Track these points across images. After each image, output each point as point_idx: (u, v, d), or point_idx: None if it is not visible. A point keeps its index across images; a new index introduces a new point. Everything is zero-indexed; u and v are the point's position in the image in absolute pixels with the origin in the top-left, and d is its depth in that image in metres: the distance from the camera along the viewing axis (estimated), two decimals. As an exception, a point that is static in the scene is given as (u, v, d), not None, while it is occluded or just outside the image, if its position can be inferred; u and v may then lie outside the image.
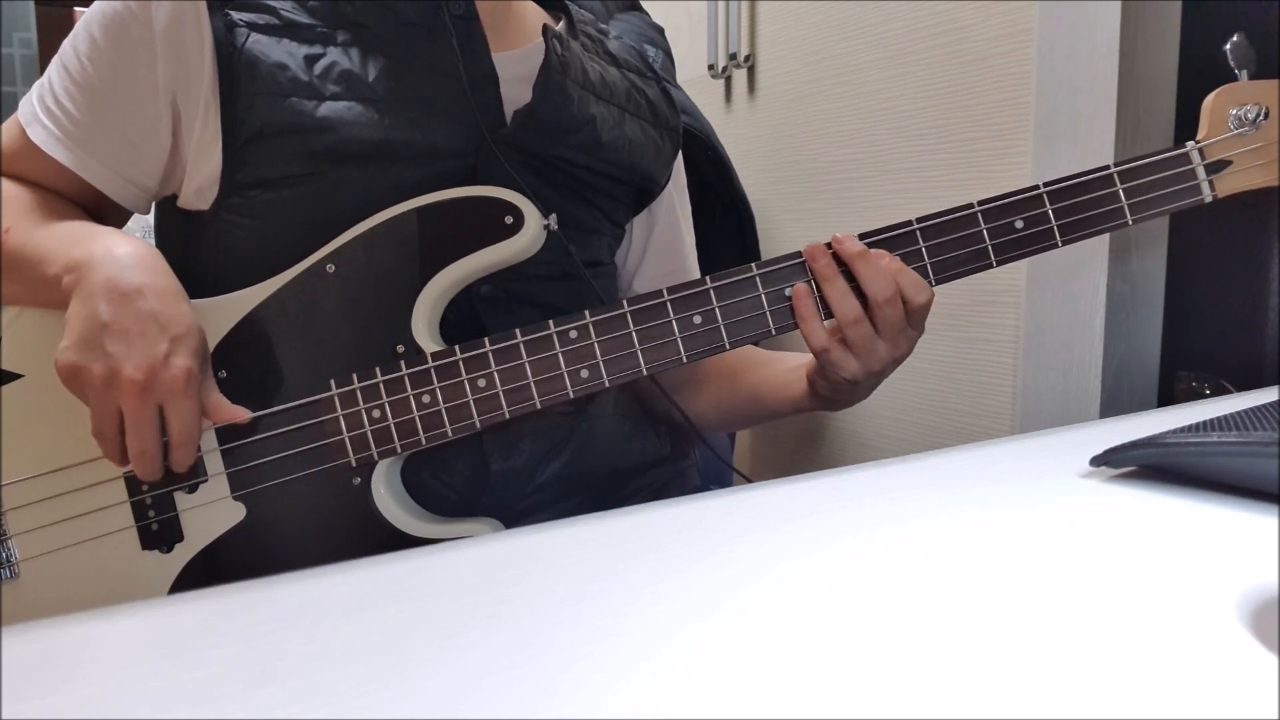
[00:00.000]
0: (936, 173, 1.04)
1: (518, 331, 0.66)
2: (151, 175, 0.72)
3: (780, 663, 0.31)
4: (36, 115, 0.71)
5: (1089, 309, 0.90)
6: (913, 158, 1.07)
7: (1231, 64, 0.69)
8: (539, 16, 0.82)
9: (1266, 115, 0.68)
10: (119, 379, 0.60)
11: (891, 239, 0.67)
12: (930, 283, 0.67)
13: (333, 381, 0.67)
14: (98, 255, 0.63)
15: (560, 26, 0.82)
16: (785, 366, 0.80)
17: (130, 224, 0.81)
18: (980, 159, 0.99)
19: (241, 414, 0.66)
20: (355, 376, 0.67)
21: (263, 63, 0.67)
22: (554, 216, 0.70)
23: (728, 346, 0.67)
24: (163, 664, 0.33)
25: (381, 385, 0.67)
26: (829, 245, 0.67)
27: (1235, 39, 0.69)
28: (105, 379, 0.60)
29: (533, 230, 0.68)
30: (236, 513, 0.67)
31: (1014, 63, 0.94)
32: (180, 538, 0.68)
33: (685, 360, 0.67)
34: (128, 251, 0.63)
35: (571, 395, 0.67)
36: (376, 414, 0.67)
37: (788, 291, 0.67)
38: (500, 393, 0.66)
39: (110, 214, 0.76)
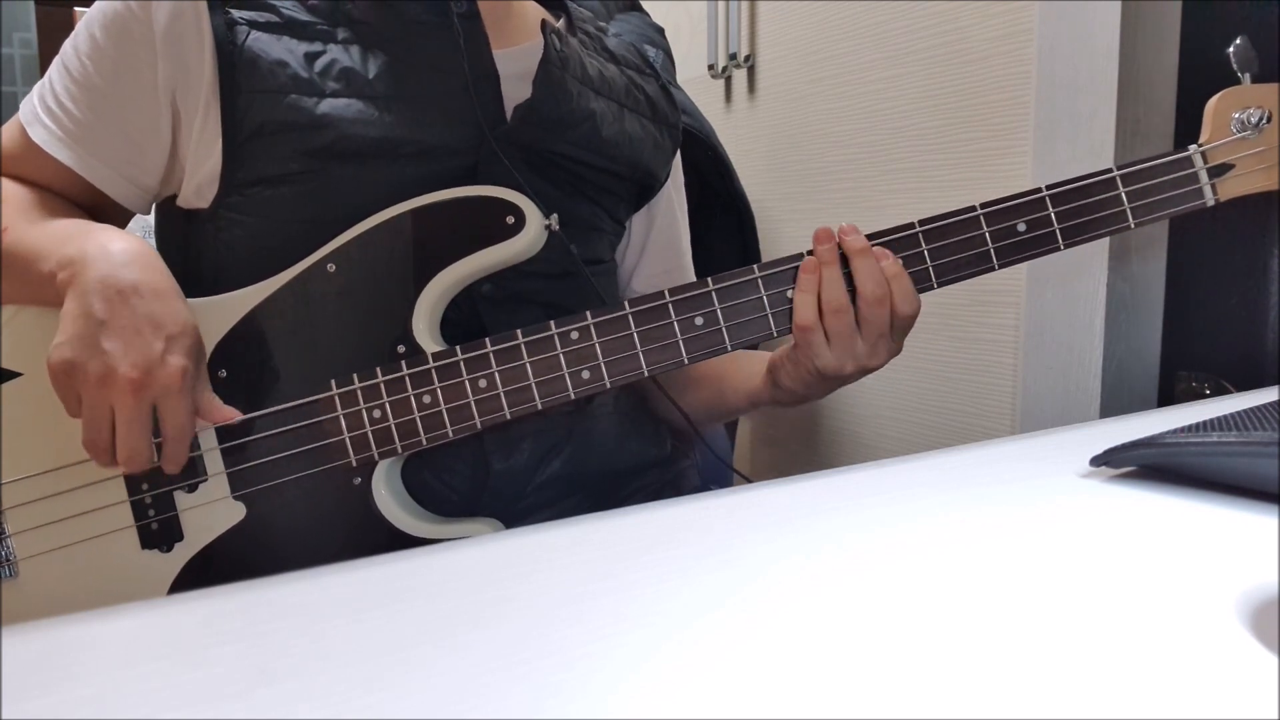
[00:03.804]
0: (936, 173, 1.04)
1: (519, 332, 0.66)
2: (152, 174, 0.72)
3: (780, 663, 0.31)
4: (37, 115, 0.71)
5: (1089, 309, 0.90)
6: (913, 158, 1.07)
7: (1234, 67, 0.69)
8: (538, 14, 0.82)
9: (1269, 119, 0.68)
10: (114, 377, 0.60)
11: (894, 240, 0.67)
12: (933, 284, 0.68)
13: (333, 381, 0.67)
14: (92, 251, 0.62)
15: (560, 24, 0.82)
16: (749, 362, 0.80)
17: (131, 224, 0.81)
18: (980, 159, 0.99)
19: (231, 415, 0.66)
20: (356, 376, 0.67)
21: (262, 60, 0.67)
22: (555, 216, 0.70)
23: (729, 348, 0.67)
24: (163, 664, 0.33)
25: (382, 385, 0.67)
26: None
27: (1238, 42, 0.68)
28: (101, 377, 0.60)
29: (534, 230, 0.68)
30: (236, 512, 0.67)
31: (1014, 63, 0.94)
32: (180, 537, 0.68)
33: (687, 361, 0.67)
34: (122, 248, 0.63)
35: (573, 396, 0.67)
36: (377, 414, 0.67)
37: (790, 293, 0.67)
38: (501, 393, 0.66)
39: (111, 214, 0.76)
